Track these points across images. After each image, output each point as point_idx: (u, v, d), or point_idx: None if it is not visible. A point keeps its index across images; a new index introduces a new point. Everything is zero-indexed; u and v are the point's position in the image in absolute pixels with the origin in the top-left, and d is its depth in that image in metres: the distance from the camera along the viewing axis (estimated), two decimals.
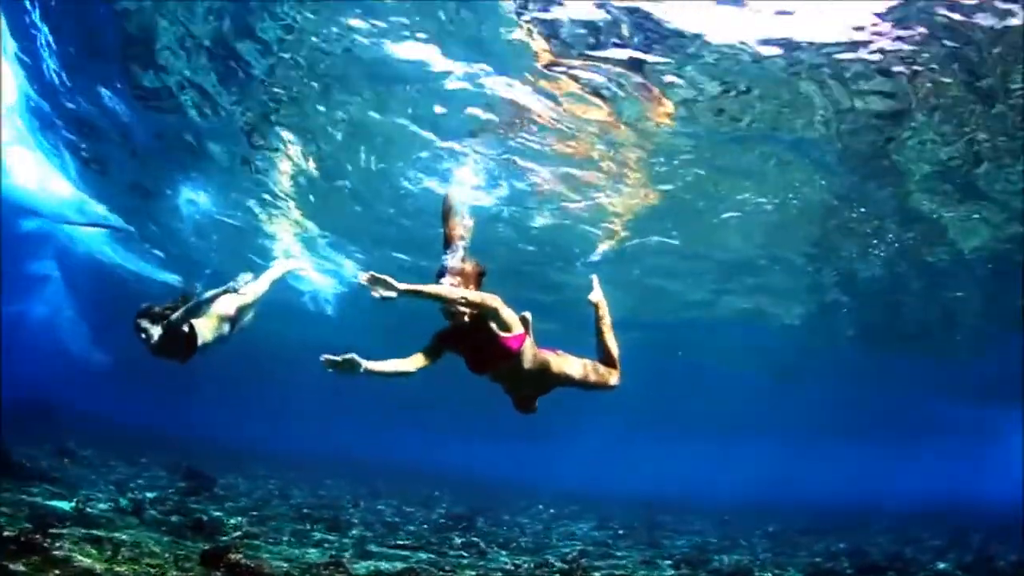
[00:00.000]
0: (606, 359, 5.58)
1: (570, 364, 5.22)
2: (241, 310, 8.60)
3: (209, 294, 8.28)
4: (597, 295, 5.94)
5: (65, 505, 10.40)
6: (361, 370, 4.43)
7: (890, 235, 12.89)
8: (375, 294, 4.12)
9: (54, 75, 11.42)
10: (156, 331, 7.35)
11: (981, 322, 18.06)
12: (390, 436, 46.94)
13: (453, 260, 4.97)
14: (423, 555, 11.33)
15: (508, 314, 4.70)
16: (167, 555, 7.67)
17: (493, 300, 4.61)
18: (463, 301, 4.49)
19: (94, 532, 8.39)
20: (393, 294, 4.12)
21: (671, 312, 19.01)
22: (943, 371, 23.45)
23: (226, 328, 8.38)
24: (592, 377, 5.31)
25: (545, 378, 5.08)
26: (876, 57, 7.77)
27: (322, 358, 4.37)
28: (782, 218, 12.47)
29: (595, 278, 6.05)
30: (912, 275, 14.91)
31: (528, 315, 4.96)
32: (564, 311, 17.17)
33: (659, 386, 28.45)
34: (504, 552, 12.68)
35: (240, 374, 34.97)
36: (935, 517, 24.21)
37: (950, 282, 15.16)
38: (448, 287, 4.55)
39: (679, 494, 30.97)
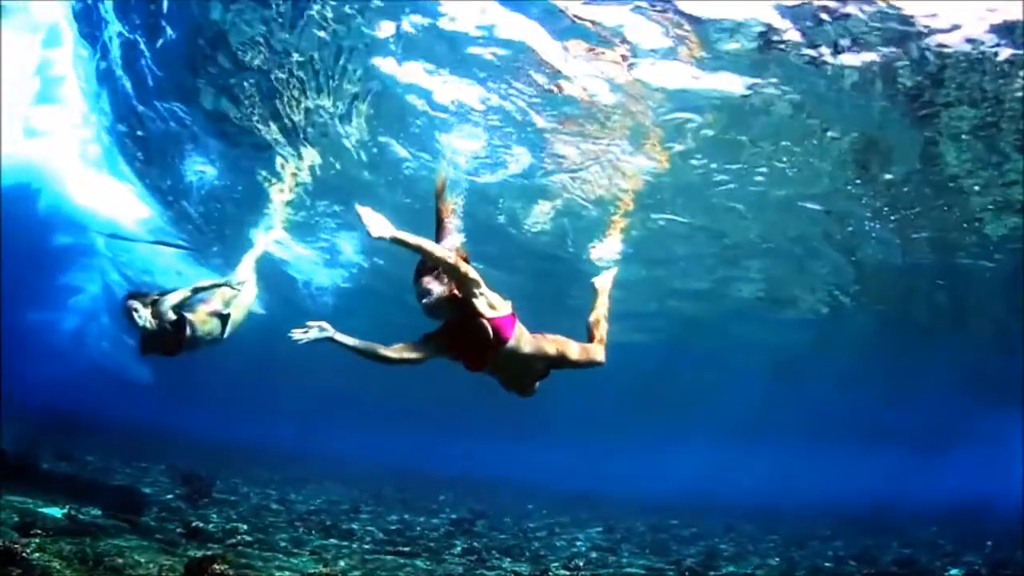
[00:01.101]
0: (593, 337, 5.62)
1: (562, 344, 5.22)
2: (228, 304, 8.46)
3: (201, 284, 8.18)
4: (605, 282, 6.03)
5: (57, 512, 10.21)
6: (328, 335, 4.41)
7: (913, 212, 12.33)
8: (371, 231, 4.05)
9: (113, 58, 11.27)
10: (146, 314, 7.23)
11: (1002, 318, 17.54)
12: (398, 438, 46.76)
13: (445, 243, 4.85)
14: (421, 564, 11.11)
15: (491, 293, 4.67)
16: (151, 565, 7.46)
17: (477, 275, 4.53)
18: (447, 264, 4.38)
19: (80, 541, 8.19)
20: (386, 235, 4.04)
21: (677, 304, 18.56)
22: (958, 370, 22.95)
23: (216, 325, 8.22)
24: (583, 356, 5.34)
25: (542, 360, 5.06)
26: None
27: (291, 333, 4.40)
28: (798, 188, 11.85)
29: (614, 270, 6.17)
30: (934, 262, 14.34)
31: (509, 301, 4.90)
32: (567, 297, 16.79)
33: (666, 385, 28.16)
34: (505, 559, 12.44)
35: (246, 374, 35.07)
36: (946, 520, 23.81)
37: (973, 271, 14.53)
38: (438, 246, 4.44)
39: (686, 496, 30.61)
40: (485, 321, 4.61)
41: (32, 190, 19.96)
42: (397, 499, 20.70)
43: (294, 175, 13.66)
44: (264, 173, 13.74)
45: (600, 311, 5.80)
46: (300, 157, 12.86)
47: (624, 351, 22.45)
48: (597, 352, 5.46)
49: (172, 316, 7.36)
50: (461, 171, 11.69)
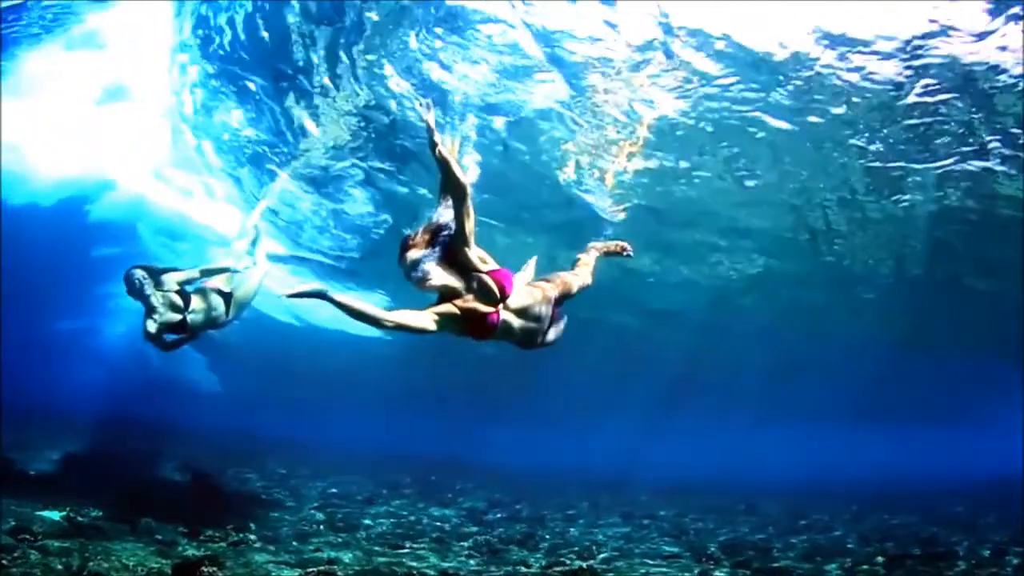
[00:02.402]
0: (582, 264, 5.65)
1: (557, 281, 5.19)
2: (231, 283, 8.37)
3: (208, 267, 8.18)
4: (603, 247, 5.91)
5: (55, 515, 10.05)
6: (318, 289, 4.25)
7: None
8: (433, 131, 4.23)
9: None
10: (150, 285, 7.29)
11: None
12: (417, 426, 46.72)
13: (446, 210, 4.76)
14: (430, 557, 10.84)
15: (478, 249, 4.65)
16: (139, 569, 7.22)
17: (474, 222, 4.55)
18: (464, 192, 4.37)
19: (70, 543, 7.98)
20: (435, 140, 4.20)
21: (684, 265, 17.66)
22: (988, 339, 22.07)
23: (219, 303, 8.09)
24: (578, 283, 5.37)
25: (546, 304, 4.98)
26: None
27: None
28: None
29: (628, 247, 5.94)
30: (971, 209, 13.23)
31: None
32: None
33: (679, 360, 27.56)
34: (518, 550, 12.13)
35: (265, 362, 35.19)
36: (972, 497, 23.23)
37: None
38: (466, 178, 4.44)
39: (708, 478, 30.22)
40: (484, 275, 4.55)
41: (76, 203, 19.79)
42: (414, 489, 20.47)
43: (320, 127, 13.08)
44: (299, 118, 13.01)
45: (591, 255, 5.76)
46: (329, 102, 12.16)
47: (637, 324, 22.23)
48: (586, 276, 5.48)
49: (175, 287, 7.46)
50: (471, 103, 11.20)
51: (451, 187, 4.38)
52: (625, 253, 5.92)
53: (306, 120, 12.73)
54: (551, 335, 5.18)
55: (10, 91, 13.54)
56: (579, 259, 5.63)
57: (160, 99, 13.55)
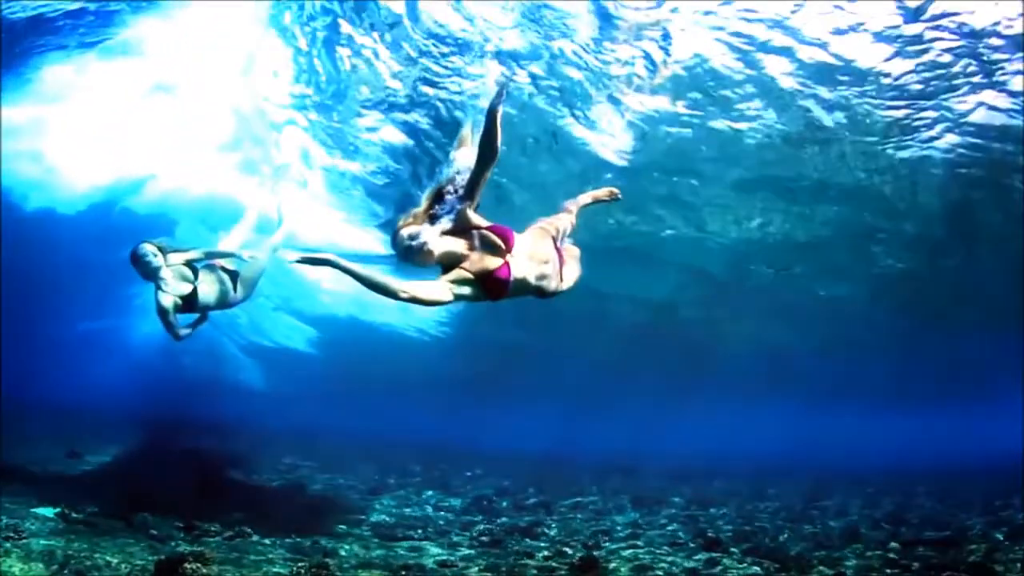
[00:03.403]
0: (566, 210, 5.59)
1: (552, 222, 5.17)
2: (233, 262, 8.25)
3: (211, 250, 8.09)
4: (593, 195, 5.75)
5: (49, 512, 9.92)
6: (325, 258, 4.23)
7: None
8: (501, 91, 4.35)
9: None
10: (160, 260, 7.30)
11: None
12: (433, 415, 46.68)
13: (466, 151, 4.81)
14: (435, 549, 10.65)
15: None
16: (123, 566, 7.03)
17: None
18: (492, 162, 4.47)
19: (55, 540, 7.81)
20: (499, 105, 4.30)
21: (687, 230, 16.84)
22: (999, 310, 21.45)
23: (226, 279, 7.98)
24: (568, 221, 5.37)
25: (547, 246, 4.95)
26: None
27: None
28: None
29: (616, 191, 5.79)
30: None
31: None
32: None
33: (697, 346, 27.17)
34: (523, 539, 11.92)
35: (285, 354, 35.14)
36: (989, 478, 22.82)
37: None
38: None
39: (721, 463, 29.92)
40: (487, 231, 4.53)
41: (110, 203, 19.63)
42: (423, 478, 20.33)
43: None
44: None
45: (580, 202, 5.64)
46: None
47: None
48: (572, 218, 5.46)
49: (182, 262, 7.49)
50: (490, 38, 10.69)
51: (487, 148, 4.42)
52: (613, 198, 5.77)
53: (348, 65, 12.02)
54: (570, 272, 5.18)
55: (37, 98, 13.35)
56: (565, 206, 5.56)
57: (207, 86, 13.02)
